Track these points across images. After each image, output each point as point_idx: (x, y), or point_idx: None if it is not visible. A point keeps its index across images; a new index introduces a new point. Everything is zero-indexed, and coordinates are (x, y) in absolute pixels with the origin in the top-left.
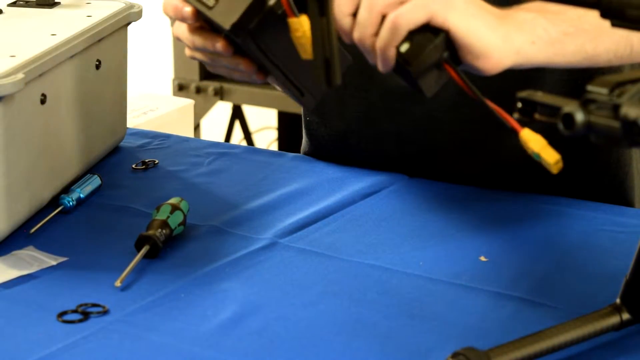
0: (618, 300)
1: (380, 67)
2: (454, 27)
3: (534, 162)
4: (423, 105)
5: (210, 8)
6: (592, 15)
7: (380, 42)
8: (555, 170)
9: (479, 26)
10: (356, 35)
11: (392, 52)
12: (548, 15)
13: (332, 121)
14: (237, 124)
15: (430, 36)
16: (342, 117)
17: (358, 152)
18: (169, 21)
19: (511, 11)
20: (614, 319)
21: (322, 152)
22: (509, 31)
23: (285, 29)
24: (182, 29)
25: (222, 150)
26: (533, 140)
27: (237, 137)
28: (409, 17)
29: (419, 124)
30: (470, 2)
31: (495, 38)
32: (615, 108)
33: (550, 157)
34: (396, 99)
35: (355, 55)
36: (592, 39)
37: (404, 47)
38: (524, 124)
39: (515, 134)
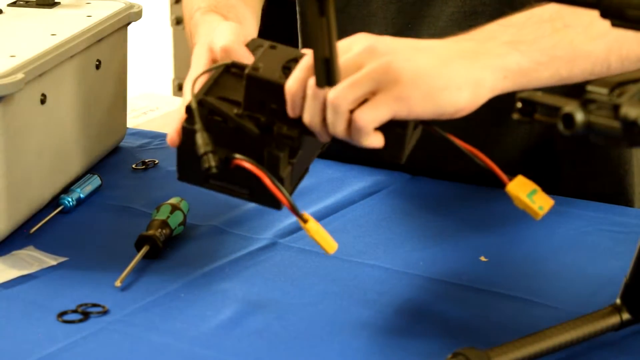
0: (618, 300)
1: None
2: (420, 116)
3: (534, 160)
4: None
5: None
6: (567, 42)
7: (353, 139)
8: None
9: (445, 97)
10: (331, 132)
11: (368, 141)
12: (521, 47)
13: None
14: None
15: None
16: None
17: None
18: (169, 21)
19: (484, 42)
20: (614, 319)
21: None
22: (481, 74)
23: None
24: None
25: None
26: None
27: None
28: (372, 117)
29: None
30: (434, 66)
31: (466, 94)
32: (615, 108)
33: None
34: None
35: None
36: (567, 63)
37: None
38: (524, 124)
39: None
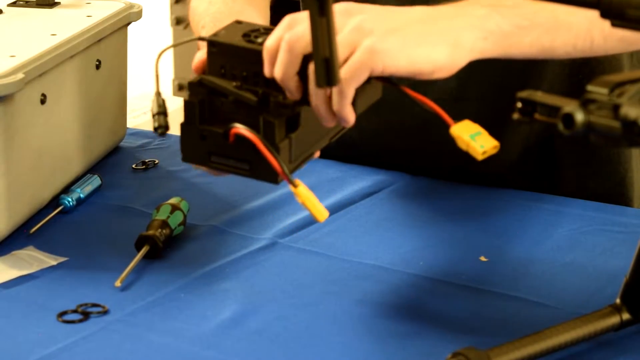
0: (618, 300)
1: (343, 124)
2: (395, 72)
3: (533, 159)
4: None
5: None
6: (548, 10)
7: (335, 106)
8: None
9: (421, 52)
10: (312, 102)
11: (348, 111)
12: (502, 10)
13: None
14: None
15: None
16: None
17: (360, 145)
18: (169, 21)
19: (464, 6)
20: (614, 319)
21: (323, 148)
22: (459, 32)
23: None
24: None
25: None
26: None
27: None
28: (355, 80)
29: (422, 116)
30: (408, 24)
31: (442, 51)
32: (616, 108)
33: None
34: (399, 90)
35: None
36: (548, 32)
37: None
38: (524, 124)
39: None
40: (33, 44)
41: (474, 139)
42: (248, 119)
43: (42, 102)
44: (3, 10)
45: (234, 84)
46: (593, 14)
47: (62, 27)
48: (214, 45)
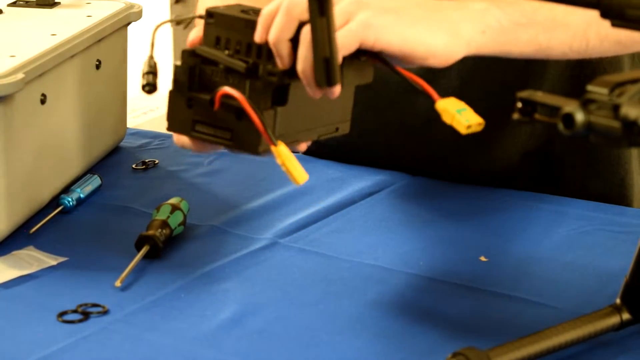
0: (618, 300)
1: (328, 94)
2: (386, 47)
3: (534, 160)
4: (426, 96)
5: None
6: (547, 9)
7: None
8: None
9: (415, 33)
10: (299, 68)
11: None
12: (501, 5)
13: None
14: None
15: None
16: None
17: (360, 144)
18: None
19: (464, 1)
20: (614, 319)
21: (323, 148)
22: (458, 24)
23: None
24: None
25: (222, 150)
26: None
27: None
28: (343, 48)
29: (422, 114)
30: (405, 8)
31: (438, 37)
32: (616, 108)
33: (460, 126)
34: (399, 89)
35: None
36: (546, 31)
37: None
38: (524, 124)
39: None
40: (33, 44)
41: (460, 113)
42: (237, 89)
43: (42, 102)
44: (3, 10)
45: (226, 52)
46: (590, 15)
47: (62, 27)
48: (211, 16)
